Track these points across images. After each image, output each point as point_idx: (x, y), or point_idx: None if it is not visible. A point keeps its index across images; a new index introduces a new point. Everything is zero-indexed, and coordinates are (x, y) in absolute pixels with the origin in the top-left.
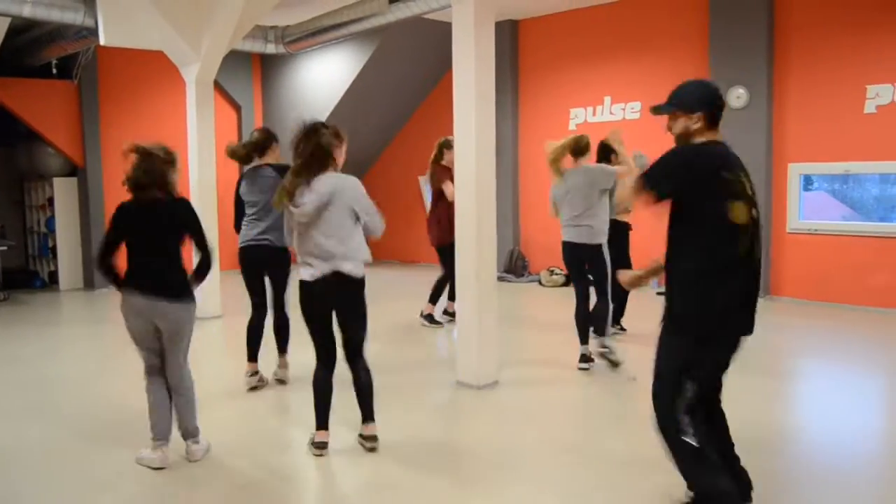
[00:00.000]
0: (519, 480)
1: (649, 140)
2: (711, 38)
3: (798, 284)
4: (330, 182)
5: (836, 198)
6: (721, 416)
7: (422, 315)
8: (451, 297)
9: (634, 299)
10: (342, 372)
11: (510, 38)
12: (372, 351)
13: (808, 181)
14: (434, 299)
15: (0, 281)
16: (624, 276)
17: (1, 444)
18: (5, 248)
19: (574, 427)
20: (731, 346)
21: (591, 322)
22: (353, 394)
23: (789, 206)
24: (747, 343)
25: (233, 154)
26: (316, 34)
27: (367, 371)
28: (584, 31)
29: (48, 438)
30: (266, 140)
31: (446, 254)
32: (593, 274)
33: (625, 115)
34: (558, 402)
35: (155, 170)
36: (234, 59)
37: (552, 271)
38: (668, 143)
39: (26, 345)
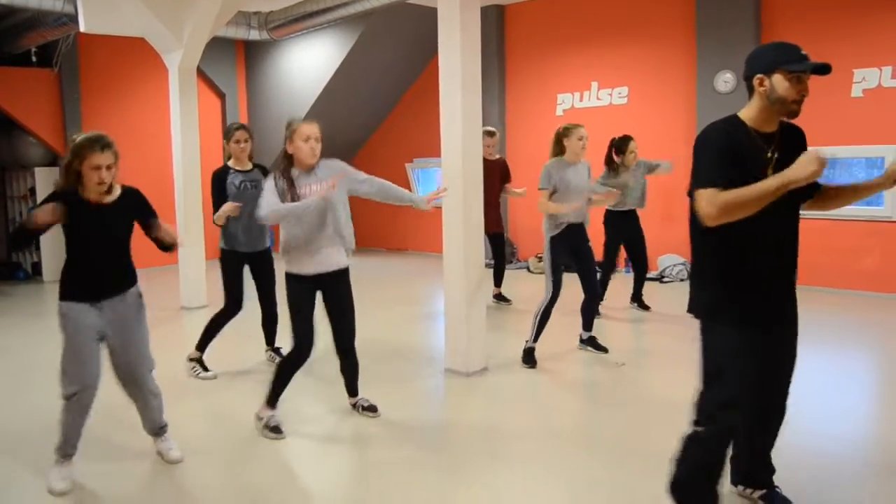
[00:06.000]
0: (509, 465)
1: (636, 125)
2: (699, 21)
3: None
4: None
5: (824, 182)
6: None
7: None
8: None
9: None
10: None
11: (496, 23)
12: (359, 338)
13: None
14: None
15: None
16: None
17: None
18: None
19: (563, 412)
20: None
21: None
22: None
23: None
24: None
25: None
26: (300, 20)
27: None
28: (571, 17)
29: (28, 430)
30: None
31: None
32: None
33: (612, 100)
34: (547, 388)
35: None
36: (218, 46)
37: (540, 257)
38: (653, 128)
39: (9, 336)
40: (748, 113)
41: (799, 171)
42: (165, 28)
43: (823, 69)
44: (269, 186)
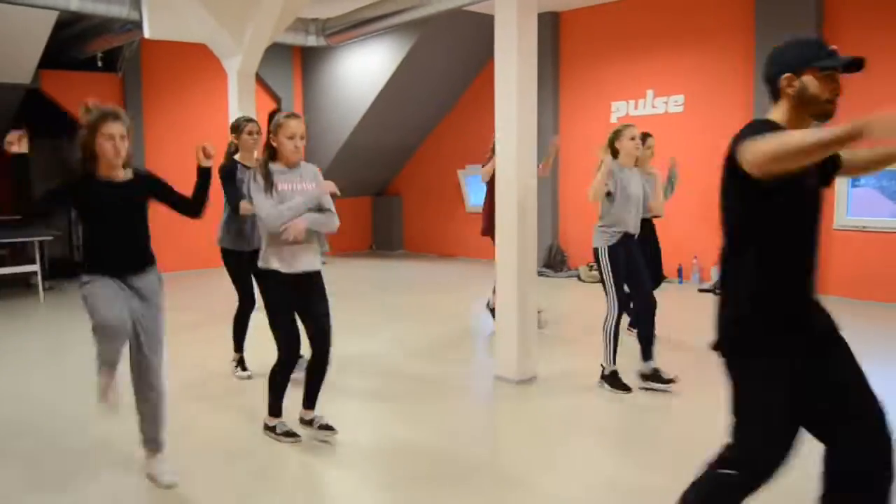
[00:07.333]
0: (559, 474)
1: (691, 134)
2: (758, 30)
3: (846, 283)
4: None
5: (885, 195)
6: None
7: (488, 306)
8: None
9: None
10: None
11: (551, 30)
12: (410, 343)
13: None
14: None
15: (46, 270)
16: None
17: (53, 427)
18: (51, 237)
19: (612, 421)
20: None
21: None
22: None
23: (837, 203)
24: None
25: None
26: (356, 26)
27: None
28: (627, 24)
29: (96, 427)
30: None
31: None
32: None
33: (667, 108)
34: (596, 399)
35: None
36: (275, 52)
37: (591, 266)
38: (709, 137)
39: (70, 333)
40: (779, 117)
41: (882, 125)
42: (227, 34)
43: (856, 64)
44: (257, 188)
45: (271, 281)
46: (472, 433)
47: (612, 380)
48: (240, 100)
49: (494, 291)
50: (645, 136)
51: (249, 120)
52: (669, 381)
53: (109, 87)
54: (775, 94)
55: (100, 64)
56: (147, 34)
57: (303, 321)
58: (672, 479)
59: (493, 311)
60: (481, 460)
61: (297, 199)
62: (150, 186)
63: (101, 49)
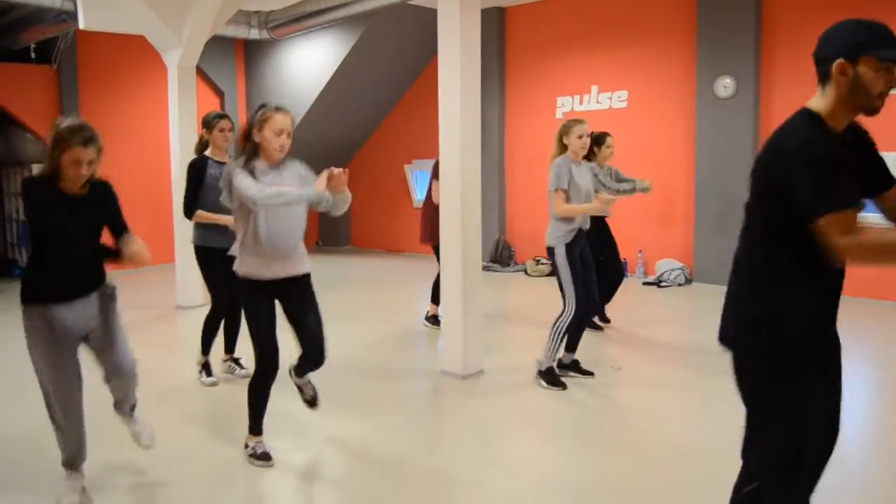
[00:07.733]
0: (504, 468)
1: (635, 129)
2: (699, 26)
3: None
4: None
5: None
6: None
7: (426, 317)
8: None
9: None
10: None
11: (497, 25)
12: (356, 340)
13: None
14: (437, 299)
15: None
16: None
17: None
18: None
19: (558, 414)
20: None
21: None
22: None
23: None
24: None
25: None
26: (300, 20)
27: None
28: (572, 19)
29: (28, 427)
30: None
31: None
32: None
33: (612, 103)
34: (542, 391)
35: None
36: (217, 45)
37: (538, 261)
38: (653, 132)
39: (3, 333)
40: (822, 107)
41: None
42: (165, 26)
43: None
44: (242, 172)
45: (247, 287)
46: (418, 428)
47: (549, 375)
48: (180, 94)
49: (433, 300)
50: (604, 136)
51: (221, 116)
52: (587, 373)
53: (44, 79)
54: (823, 78)
55: (33, 55)
56: (82, 25)
57: (293, 329)
58: (615, 474)
59: (431, 318)
60: (426, 455)
61: (292, 190)
62: (109, 204)
63: (35, 40)
